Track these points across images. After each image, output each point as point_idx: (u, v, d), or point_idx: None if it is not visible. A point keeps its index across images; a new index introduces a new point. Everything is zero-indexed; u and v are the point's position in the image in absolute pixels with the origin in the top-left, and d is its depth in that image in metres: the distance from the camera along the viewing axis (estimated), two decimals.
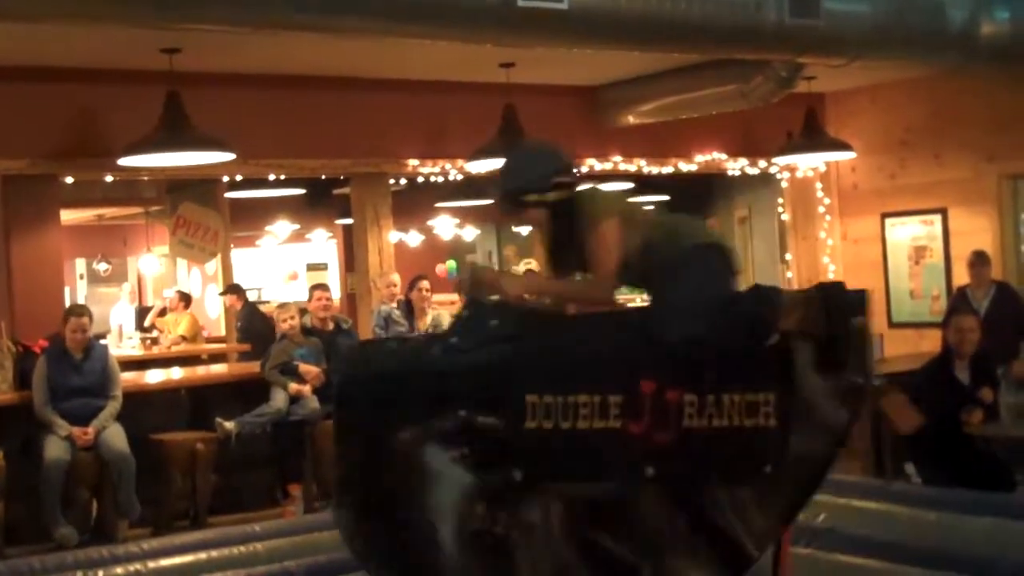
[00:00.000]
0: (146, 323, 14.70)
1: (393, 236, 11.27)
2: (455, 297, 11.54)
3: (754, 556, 4.13)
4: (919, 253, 12.20)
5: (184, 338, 13.94)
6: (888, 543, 5.74)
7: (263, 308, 15.30)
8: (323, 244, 20.68)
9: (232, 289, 14.13)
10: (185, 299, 14.84)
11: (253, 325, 13.52)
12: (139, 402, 9.02)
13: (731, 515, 4.06)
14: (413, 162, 10.78)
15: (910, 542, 5.71)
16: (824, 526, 6.07)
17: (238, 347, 13.43)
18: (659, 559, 4.06)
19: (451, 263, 19.97)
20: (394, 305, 10.16)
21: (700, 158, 12.20)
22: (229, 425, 9.01)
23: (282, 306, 10.00)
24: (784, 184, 12.98)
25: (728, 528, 4.07)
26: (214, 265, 14.65)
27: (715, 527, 4.07)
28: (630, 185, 13.62)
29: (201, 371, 11.05)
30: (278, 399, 9.21)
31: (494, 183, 4.90)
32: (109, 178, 10.25)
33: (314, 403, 9.23)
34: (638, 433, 3.95)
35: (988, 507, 6.09)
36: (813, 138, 11.42)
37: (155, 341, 13.68)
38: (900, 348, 11.17)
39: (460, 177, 11.24)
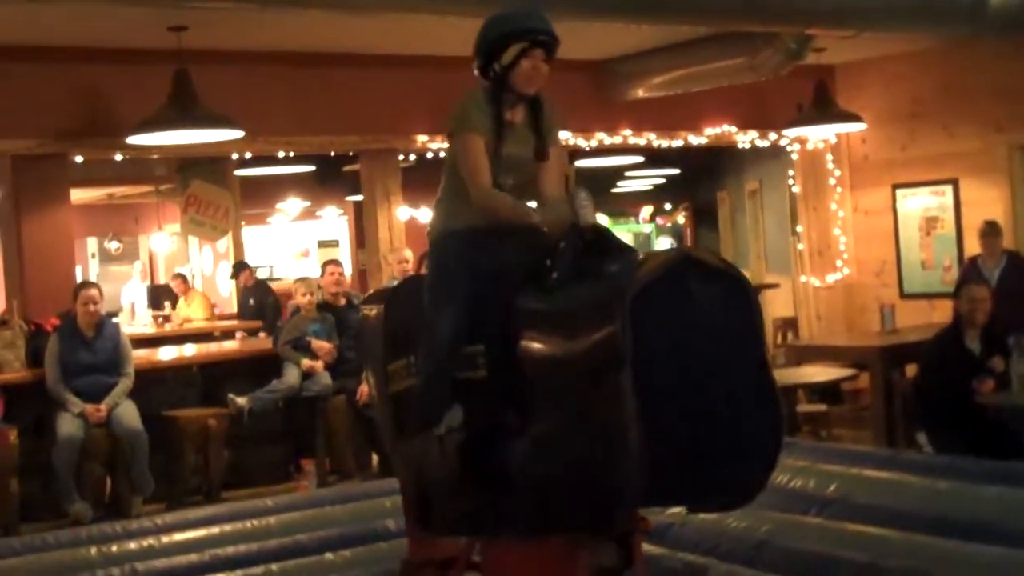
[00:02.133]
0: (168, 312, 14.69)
1: (404, 212, 11.27)
2: None
3: None
4: (930, 224, 12.17)
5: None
6: (899, 512, 5.75)
7: (274, 285, 15.37)
8: (334, 221, 20.69)
9: (242, 267, 14.20)
10: (182, 279, 14.95)
11: (268, 300, 13.65)
12: (152, 379, 9.05)
13: None
14: (422, 138, 10.77)
15: (921, 511, 5.72)
16: (836, 495, 6.09)
17: (251, 324, 13.47)
18: None
19: None
20: None
21: (710, 131, 12.17)
22: (241, 401, 9.04)
23: (302, 280, 10.00)
24: (795, 156, 12.95)
25: None
26: (225, 243, 14.69)
27: None
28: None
29: (213, 348, 11.08)
30: (291, 375, 9.23)
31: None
32: (119, 157, 10.25)
33: (326, 379, 9.26)
34: None
35: (999, 476, 6.10)
36: (823, 110, 11.39)
37: (167, 319, 13.72)
38: (912, 319, 11.16)
39: None
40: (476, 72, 4.65)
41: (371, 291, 10.89)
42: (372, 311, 5.19)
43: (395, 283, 10.01)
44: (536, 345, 4.22)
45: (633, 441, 3.79)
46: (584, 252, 4.22)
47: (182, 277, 15.13)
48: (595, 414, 3.94)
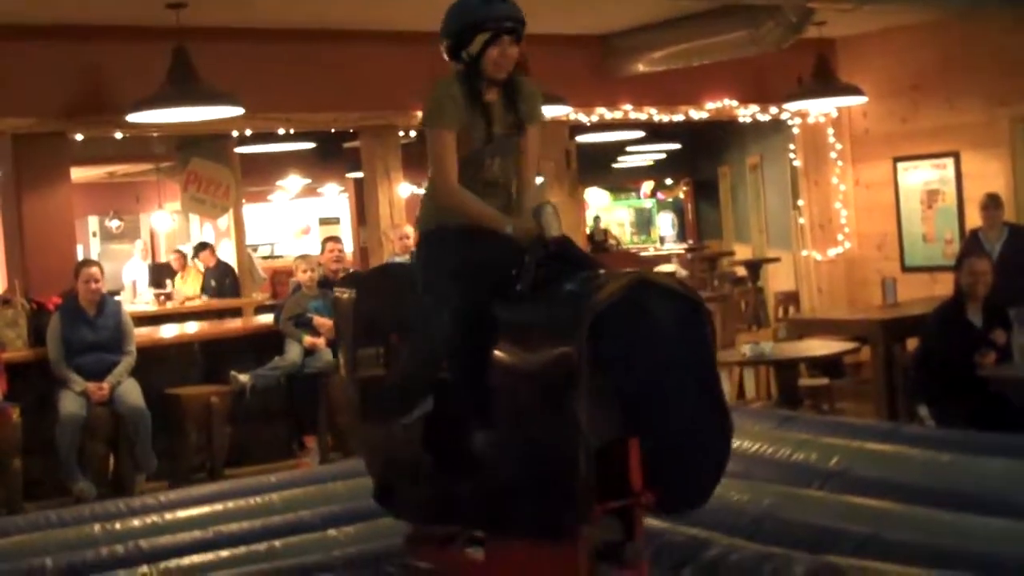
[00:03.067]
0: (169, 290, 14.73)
1: (404, 189, 11.25)
2: None
3: None
4: (931, 197, 12.15)
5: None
6: (901, 485, 5.76)
7: (275, 262, 15.34)
8: (335, 198, 20.69)
9: (202, 247, 14.30)
10: (181, 255, 15.04)
11: (226, 283, 13.73)
12: (154, 357, 9.06)
13: None
14: (422, 114, 10.73)
15: (923, 484, 5.73)
16: (838, 468, 6.10)
17: (253, 301, 13.47)
18: None
19: None
20: (407, 257, 10.17)
21: (711, 105, 12.14)
22: (243, 378, 9.05)
23: (302, 257, 10.01)
24: (796, 130, 12.92)
25: None
26: (226, 220, 14.69)
27: None
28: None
29: (215, 325, 11.07)
30: (292, 352, 9.24)
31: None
32: (119, 135, 10.24)
33: (328, 355, 9.26)
34: None
35: (1000, 448, 6.11)
36: (824, 83, 11.36)
37: (168, 297, 13.74)
38: (913, 292, 11.15)
39: None
40: (445, 57, 4.67)
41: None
42: (344, 294, 5.30)
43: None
44: (498, 352, 4.32)
45: (582, 459, 3.92)
46: (547, 265, 4.32)
47: (182, 253, 15.22)
48: (546, 429, 4.07)
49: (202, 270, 14.50)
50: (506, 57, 4.55)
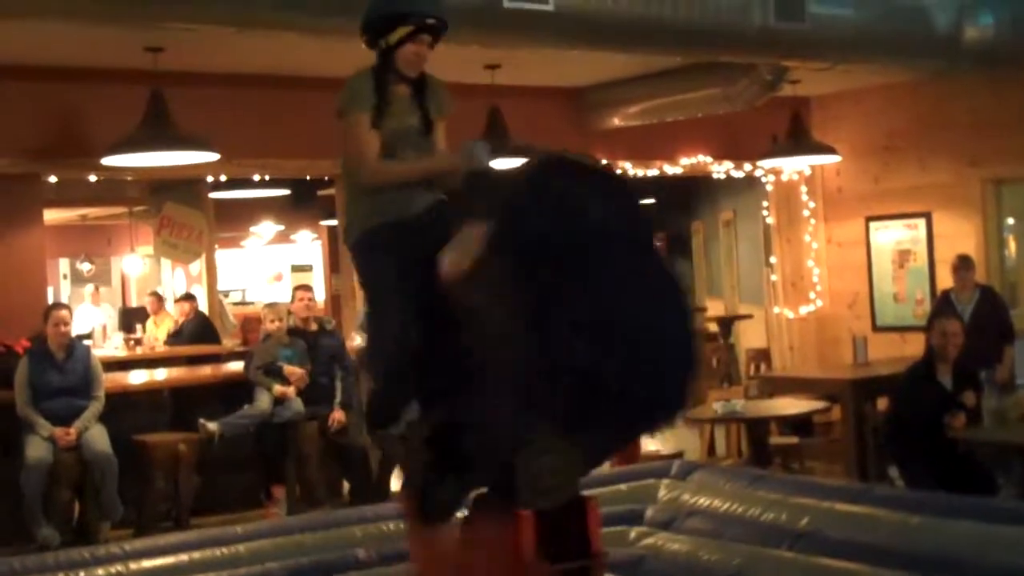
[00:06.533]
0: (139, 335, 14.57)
1: None
2: None
3: None
4: (903, 257, 12.21)
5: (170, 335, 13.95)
6: (871, 546, 5.74)
7: (246, 309, 15.20)
8: (308, 245, 20.64)
9: (187, 297, 14.17)
10: (157, 298, 14.91)
11: (205, 333, 13.57)
12: (122, 403, 8.98)
13: None
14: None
15: (893, 545, 5.71)
16: (807, 529, 6.07)
17: (220, 348, 13.38)
18: None
19: None
20: None
21: (685, 161, 12.19)
22: (212, 426, 8.98)
23: (270, 306, 9.94)
24: (769, 187, 12.99)
25: None
26: (198, 265, 14.63)
27: None
28: None
29: (184, 372, 11.00)
30: (262, 400, 9.18)
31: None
32: (92, 178, 10.20)
33: (298, 405, 9.21)
34: None
35: (970, 511, 6.09)
36: (798, 141, 11.44)
37: (138, 342, 13.64)
38: (884, 352, 11.19)
39: None
40: (363, 44, 4.57)
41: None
42: None
43: None
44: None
45: None
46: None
47: (157, 296, 15.06)
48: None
49: (176, 318, 14.31)
50: (420, 57, 4.49)
